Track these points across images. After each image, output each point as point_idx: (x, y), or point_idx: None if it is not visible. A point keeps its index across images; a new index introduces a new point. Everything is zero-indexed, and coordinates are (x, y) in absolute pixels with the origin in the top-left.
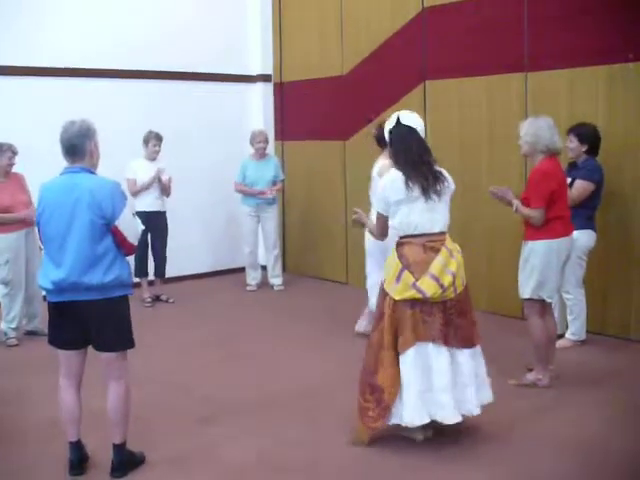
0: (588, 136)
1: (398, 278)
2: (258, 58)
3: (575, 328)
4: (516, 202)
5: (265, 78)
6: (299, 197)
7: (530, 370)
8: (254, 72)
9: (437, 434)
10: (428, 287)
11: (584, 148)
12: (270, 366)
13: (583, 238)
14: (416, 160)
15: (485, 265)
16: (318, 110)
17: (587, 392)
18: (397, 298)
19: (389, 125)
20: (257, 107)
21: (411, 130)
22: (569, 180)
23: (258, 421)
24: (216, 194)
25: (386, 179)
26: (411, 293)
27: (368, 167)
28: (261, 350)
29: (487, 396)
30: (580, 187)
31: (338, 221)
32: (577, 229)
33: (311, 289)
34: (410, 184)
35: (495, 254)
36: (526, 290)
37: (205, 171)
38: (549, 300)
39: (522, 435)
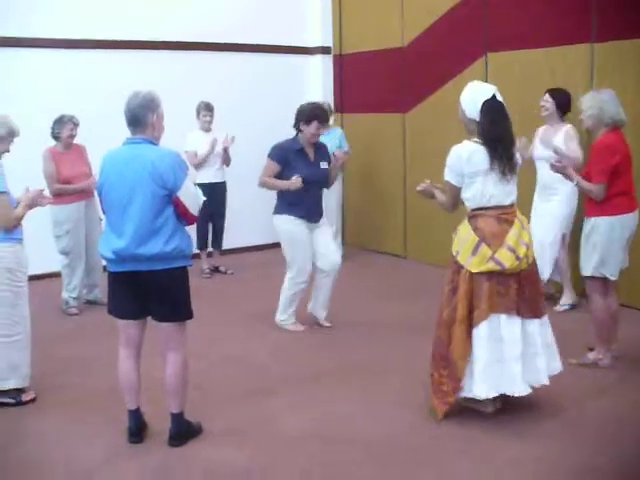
0: None
1: (475, 251)
2: (317, 30)
3: None
4: (577, 176)
5: (324, 50)
6: (358, 170)
7: (591, 350)
8: (313, 44)
9: (504, 406)
10: (506, 259)
11: None
12: (326, 339)
13: None
14: (505, 139)
15: None
16: (378, 82)
17: None
18: (475, 271)
19: (481, 96)
20: (316, 79)
21: (503, 107)
22: None
23: (314, 393)
24: None
25: (461, 150)
26: (489, 265)
27: (427, 139)
28: (318, 323)
29: (557, 366)
30: None
31: (397, 195)
32: None
33: (369, 262)
34: (493, 159)
35: None
36: (588, 268)
37: (265, 143)
38: (612, 278)
39: (582, 415)
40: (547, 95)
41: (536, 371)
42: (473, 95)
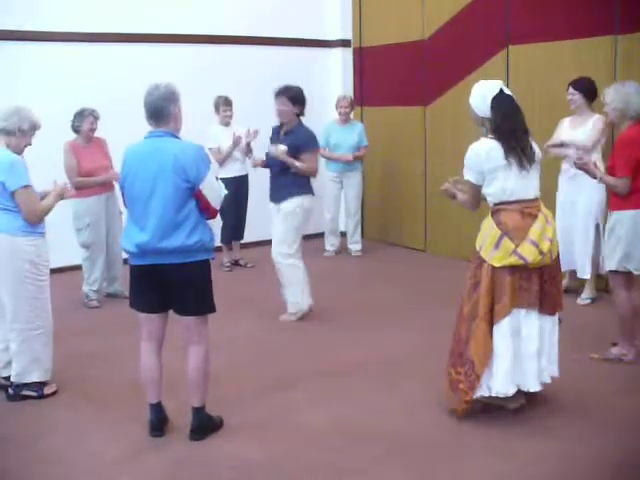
0: None
1: (497, 245)
2: (337, 23)
3: None
4: (599, 171)
5: (344, 43)
6: (379, 163)
7: (614, 344)
8: (333, 37)
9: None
10: (529, 253)
11: None
12: (348, 333)
13: None
14: (517, 130)
15: None
16: (398, 75)
17: None
18: (497, 265)
19: (489, 93)
20: (336, 73)
21: (513, 100)
22: None
23: (337, 388)
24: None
25: (479, 148)
26: (512, 260)
27: (448, 133)
28: (338, 317)
29: (554, 369)
30: None
31: (417, 188)
32: None
33: (388, 256)
34: (508, 153)
35: None
36: (611, 262)
37: None
38: (636, 272)
39: (605, 411)
40: (571, 88)
41: (544, 369)
42: (481, 93)
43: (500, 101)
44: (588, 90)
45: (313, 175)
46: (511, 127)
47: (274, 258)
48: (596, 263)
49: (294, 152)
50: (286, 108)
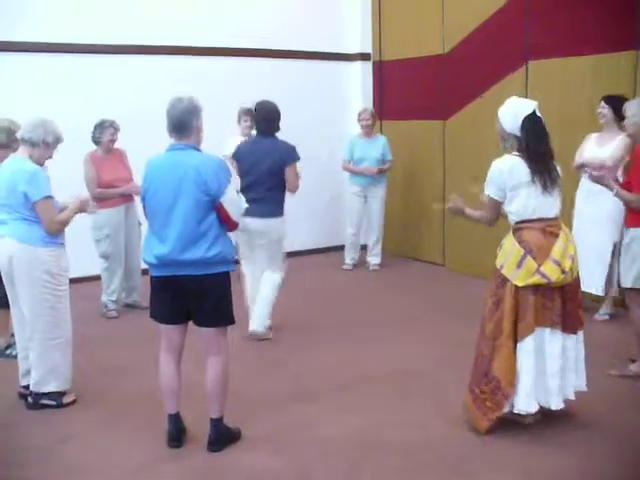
0: None
1: (520, 264)
2: (357, 36)
3: None
4: (616, 186)
5: (364, 57)
6: (398, 177)
7: (633, 361)
8: (353, 50)
9: (544, 417)
10: (552, 272)
11: None
12: (363, 346)
13: None
14: (546, 154)
15: None
16: (418, 89)
17: None
18: (520, 284)
19: (521, 111)
20: (355, 86)
21: (542, 122)
22: None
23: (354, 400)
24: (313, 172)
25: (502, 164)
26: (535, 279)
27: (468, 147)
28: (353, 330)
29: (582, 384)
30: None
31: (436, 202)
32: None
33: (406, 270)
34: (534, 174)
35: None
36: (627, 279)
37: (304, 149)
38: None
39: (623, 429)
40: (603, 102)
41: (567, 386)
42: (514, 110)
43: (533, 122)
44: (618, 107)
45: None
46: (542, 151)
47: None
48: (610, 279)
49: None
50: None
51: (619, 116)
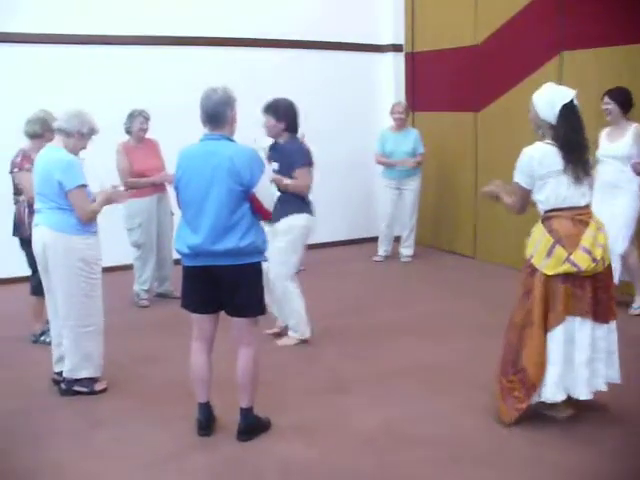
0: None
1: (550, 253)
2: (389, 27)
3: None
4: None
5: (396, 48)
6: (430, 169)
7: None
8: (385, 42)
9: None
10: (582, 260)
11: None
12: (396, 338)
13: None
14: (582, 145)
15: None
16: (450, 81)
17: None
18: (550, 273)
19: (559, 99)
20: (387, 77)
21: (579, 112)
22: None
23: (386, 392)
24: (345, 164)
25: (534, 151)
26: (565, 267)
27: (500, 139)
28: (386, 322)
29: (615, 376)
30: None
31: (467, 194)
32: None
33: (437, 262)
34: (568, 164)
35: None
36: None
37: (335, 141)
38: None
39: None
40: (606, 97)
41: (597, 377)
42: (551, 97)
43: (571, 111)
44: (623, 100)
45: (304, 192)
46: (578, 141)
47: (272, 280)
48: (634, 273)
49: (286, 169)
50: (269, 124)
51: (625, 109)
